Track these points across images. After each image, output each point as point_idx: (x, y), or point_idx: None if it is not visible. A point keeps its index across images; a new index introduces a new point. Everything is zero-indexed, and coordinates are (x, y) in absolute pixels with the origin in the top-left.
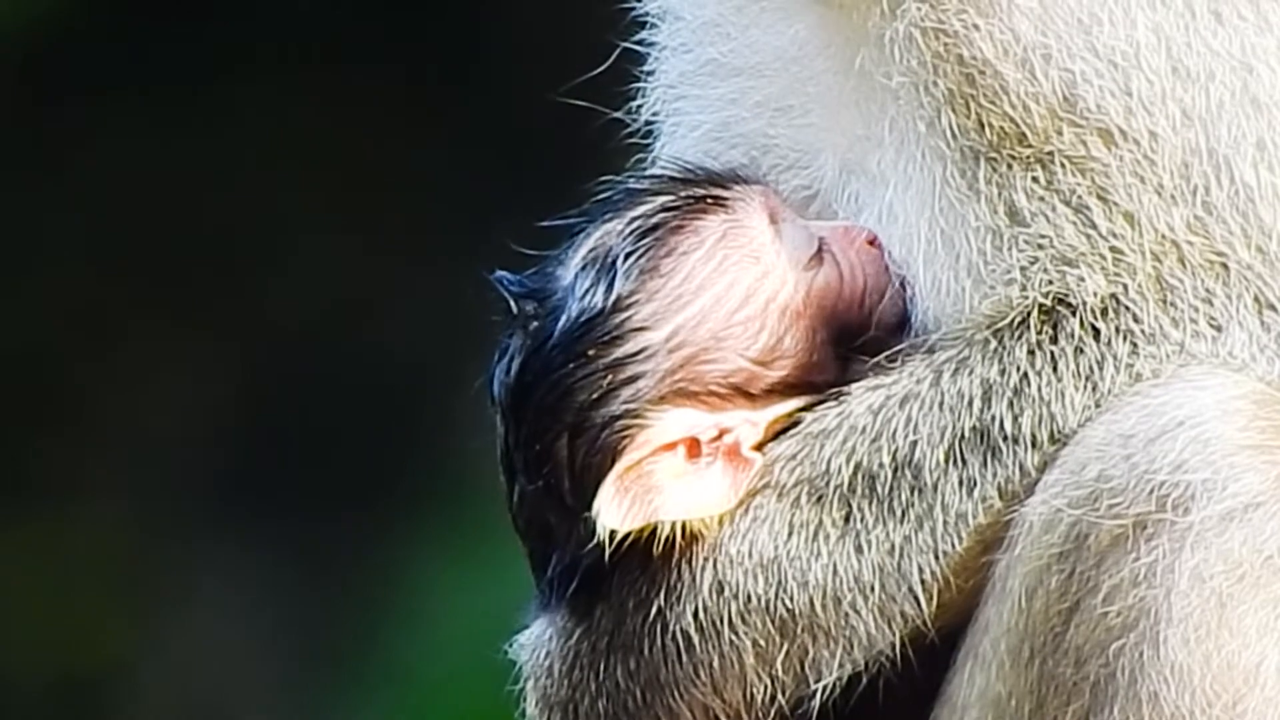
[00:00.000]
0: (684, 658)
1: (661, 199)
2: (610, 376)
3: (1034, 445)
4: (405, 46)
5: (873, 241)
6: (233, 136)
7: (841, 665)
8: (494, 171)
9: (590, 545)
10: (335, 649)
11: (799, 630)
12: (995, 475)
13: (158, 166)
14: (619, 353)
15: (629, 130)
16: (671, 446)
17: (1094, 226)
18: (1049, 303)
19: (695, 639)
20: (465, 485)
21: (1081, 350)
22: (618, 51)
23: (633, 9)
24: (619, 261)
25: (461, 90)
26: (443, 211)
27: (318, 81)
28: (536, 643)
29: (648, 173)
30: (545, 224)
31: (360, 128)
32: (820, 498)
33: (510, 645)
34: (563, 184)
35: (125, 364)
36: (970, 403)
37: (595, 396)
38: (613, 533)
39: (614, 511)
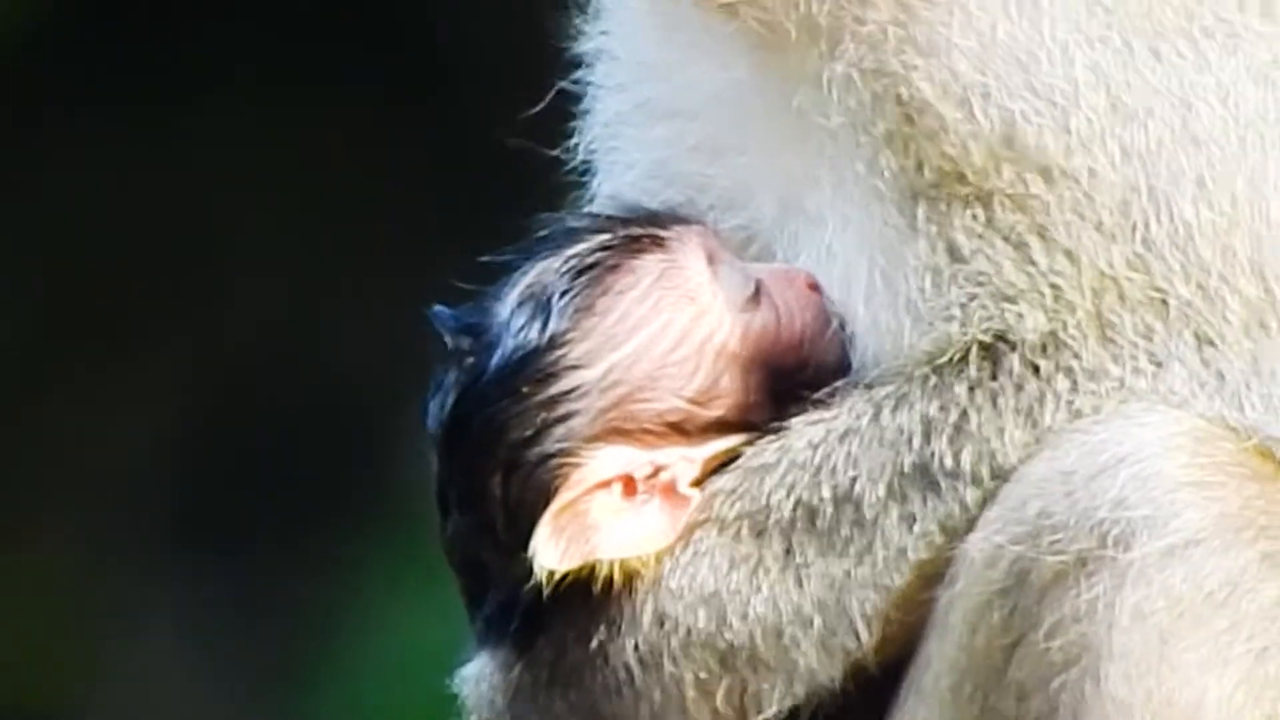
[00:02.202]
0: (625, 691)
1: (599, 238)
2: (544, 414)
3: (974, 481)
4: (354, 78)
5: (812, 285)
6: (177, 163)
7: (783, 699)
8: (441, 200)
9: (528, 583)
10: (284, 679)
11: (740, 664)
12: (936, 511)
13: (104, 192)
14: (553, 390)
15: (568, 168)
16: (606, 484)
17: (1033, 263)
18: (989, 339)
19: (636, 672)
20: (414, 514)
21: (1021, 387)
22: (554, 91)
23: (568, 48)
24: (554, 299)
25: (410, 121)
26: (391, 238)
27: (265, 110)
28: (478, 676)
29: (586, 211)
30: (484, 260)
31: (309, 155)
32: (760, 532)
33: (453, 678)
34: (508, 217)
35: (71, 392)
36: (910, 439)
37: (529, 434)
38: (550, 572)
39: (551, 551)
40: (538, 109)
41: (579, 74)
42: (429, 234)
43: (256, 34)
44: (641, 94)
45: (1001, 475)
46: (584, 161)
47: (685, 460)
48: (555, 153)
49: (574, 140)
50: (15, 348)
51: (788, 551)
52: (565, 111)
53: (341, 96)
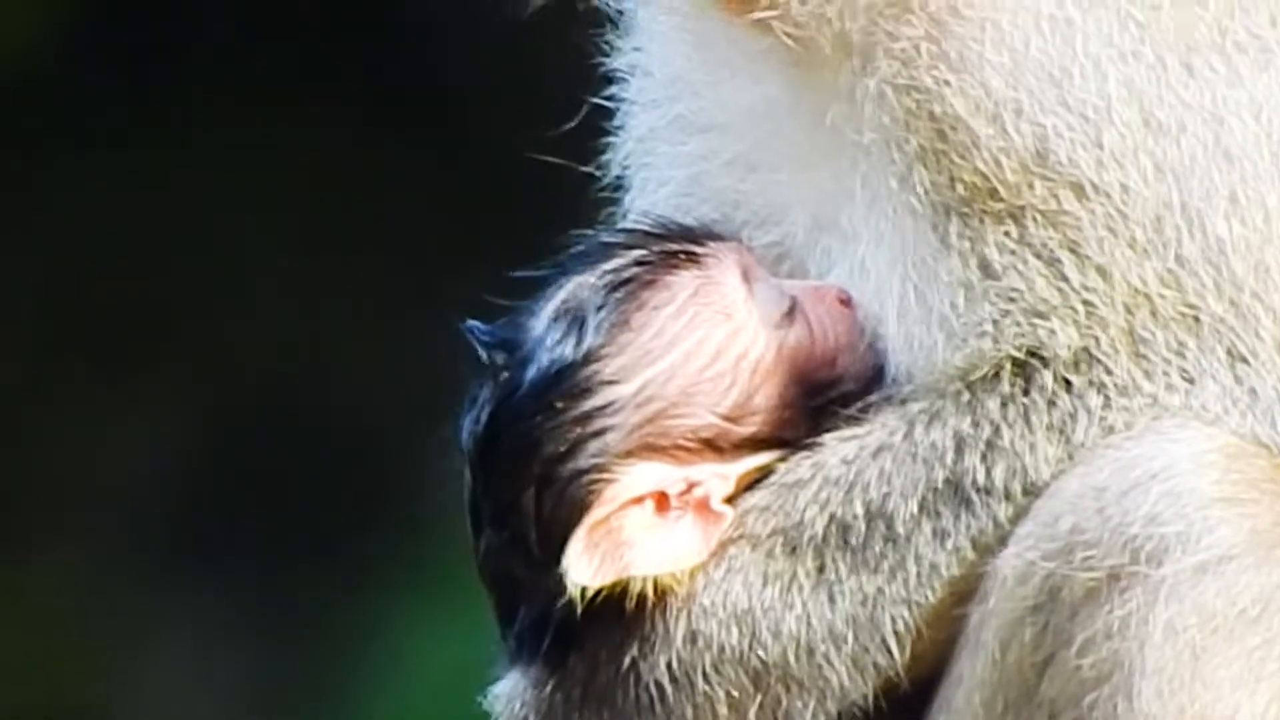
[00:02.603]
0: (657, 708)
1: (635, 253)
2: (578, 429)
3: (1007, 497)
4: (374, 96)
5: (845, 301)
6: (194, 183)
7: (815, 716)
8: (464, 222)
9: (561, 600)
10: (300, 699)
11: (772, 681)
12: (968, 527)
13: (118, 211)
14: (587, 405)
15: (601, 184)
16: (640, 500)
17: (1066, 279)
18: (1021, 355)
19: (669, 690)
20: (434, 533)
21: (1054, 403)
22: (587, 107)
23: (602, 64)
24: (590, 315)
25: (433, 141)
26: (411, 259)
27: (282, 129)
28: (510, 694)
29: (622, 226)
30: (518, 275)
31: (326, 175)
32: (794, 549)
33: (484, 696)
34: (536, 234)
35: (85, 411)
36: (943, 455)
37: (563, 449)
38: (583, 588)
39: (584, 567)
40: (569, 125)
41: (612, 90)
42: (453, 254)
43: (262, 54)
44: (675, 110)
45: (1034, 491)
46: (617, 177)
47: (719, 476)
48: (582, 169)
49: (606, 156)
50: (29, 360)
51: (821, 568)
52: (595, 128)
53: (352, 116)
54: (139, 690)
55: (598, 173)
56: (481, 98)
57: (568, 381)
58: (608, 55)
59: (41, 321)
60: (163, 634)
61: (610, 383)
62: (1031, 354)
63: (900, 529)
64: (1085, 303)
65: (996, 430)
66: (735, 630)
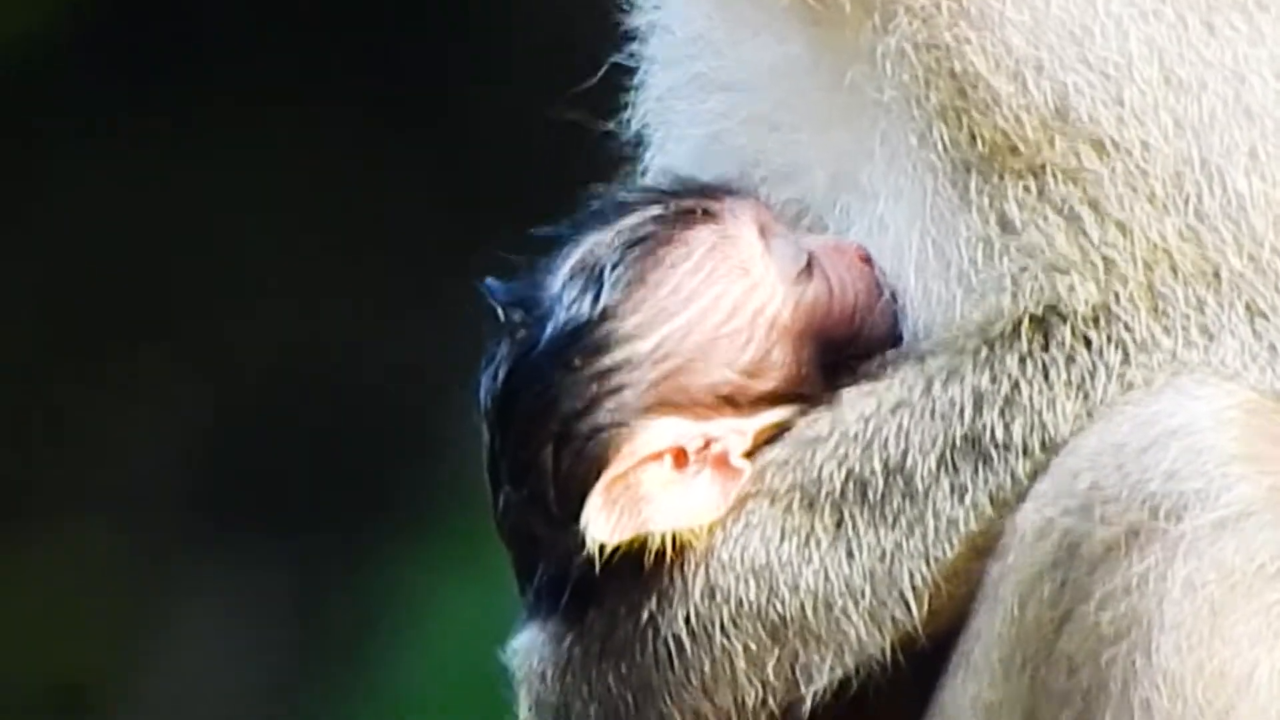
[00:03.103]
0: (675, 662)
1: (651, 210)
2: (596, 386)
3: (1025, 453)
4: (374, 95)
5: (863, 257)
6: (194, 180)
7: (832, 670)
8: (464, 221)
9: (579, 556)
10: (325, 666)
11: (790, 635)
12: (986, 483)
13: (117, 208)
14: (605, 362)
15: (619, 142)
16: (658, 456)
17: (1085, 235)
18: (1040, 311)
19: (686, 644)
20: (454, 497)
21: (1073, 359)
22: (608, 65)
23: (621, 23)
24: (606, 272)
25: (433, 140)
26: (411, 257)
27: (283, 128)
28: (529, 648)
29: (638, 184)
30: (536, 233)
31: (326, 174)
32: (812, 503)
33: (504, 651)
34: (524, 221)
35: (111, 382)
36: (961, 411)
37: (581, 406)
38: (601, 544)
39: (602, 523)
40: (584, 86)
41: (632, 48)
42: (444, 251)
43: (262, 52)
44: (694, 68)
45: (1052, 448)
46: (636, 135)
47: (736, 432)
48: (605, 128)
49: (625, 114)
50: (36, 345)
51: (839, 523)
52: (612, 86)
53: (352, 115)
54: (167, 659)
55: (618, 130)
56: (500, 60)
57: (585, 338)
58: (628, 12)
59: (65, 299)
60: (191, 603)
61: (627, 339)
62: (1050, 310)
63: (918, 484)
64: (1105, 258)
65: (1015, 386)
66: (753, 584)
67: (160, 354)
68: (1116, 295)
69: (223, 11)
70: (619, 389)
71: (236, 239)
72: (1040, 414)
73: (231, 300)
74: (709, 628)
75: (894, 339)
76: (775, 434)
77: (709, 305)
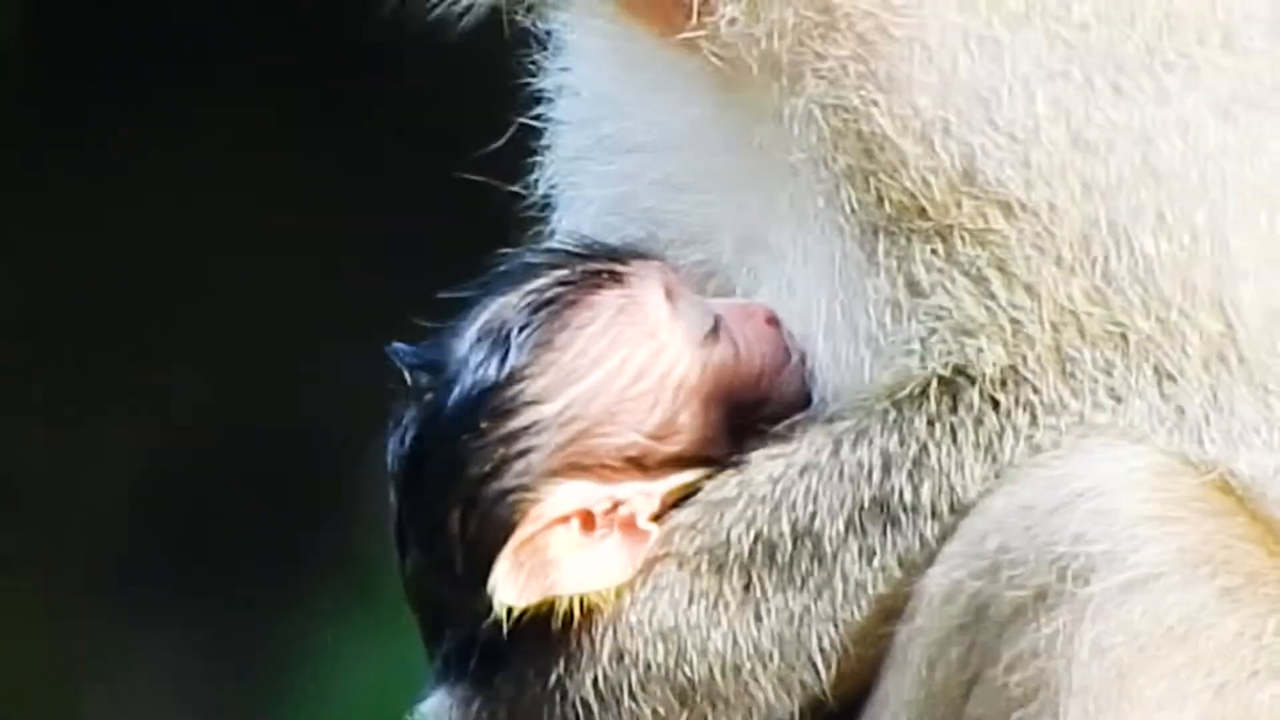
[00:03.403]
0: None
1: (558, 273)
2: (503, 450)
3: (934, 516)
4: (361, 104)
5: (771, 320)
6: (140, 216)
7: None
8: (400, 250)
9: (487, 620)
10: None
11: (698, 699)
12: (895, 545)
13: (82, 226)
14: (512, 425)
15: (528, 204)
16: (565, 519)
17: (993, 298)
18: (948, 374)
19: (594, 707)
20: (370, 558)
21: (981, 421)
22: (514, 127)
23: (529, 84)
24: (513, 334)
25: (369, 163)
26: (341, 287)
27: (266, 134)
28: (437, 712)
29: (545, 246)
30: (444, 296)
31: (270, 203)
32: (720, 566)
33: (412, 715)
34: (462, 258)
35: (33, 446)
36: (870, 473)
37: (488, 469)
38: (509, 608)
39: (510, 587)
40: (497, 145)
41: (539, 110)
42: (389, 287)
43: (248, 56)
44: (602, 129)
45: (961, 510)
46: (544, 197)
47: (644, 495)
48: (516, 188)
49: (534, 176)
50: None
51: (747, 586)
52: (526, 147)
53: (300, 148)
54: (95, 699)
55: (525, 192)
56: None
57: (492, 402)
58: (535, 75)
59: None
60: (112, 663)
61: (534, 403)
62: (959, 372)
63: (827, 547)
64: (1012, 321)
65: (924, 449)
66: (661, 648)
67: (98, 393)
68: (1024, 358)
69: (213, 14)
70: (526, 452)
71: (181, 275)
72: (948, 476)
73: (173, 345)
74: (617, 691)
75: (803, 401)
76: (683, 497)
77: (615, 368)
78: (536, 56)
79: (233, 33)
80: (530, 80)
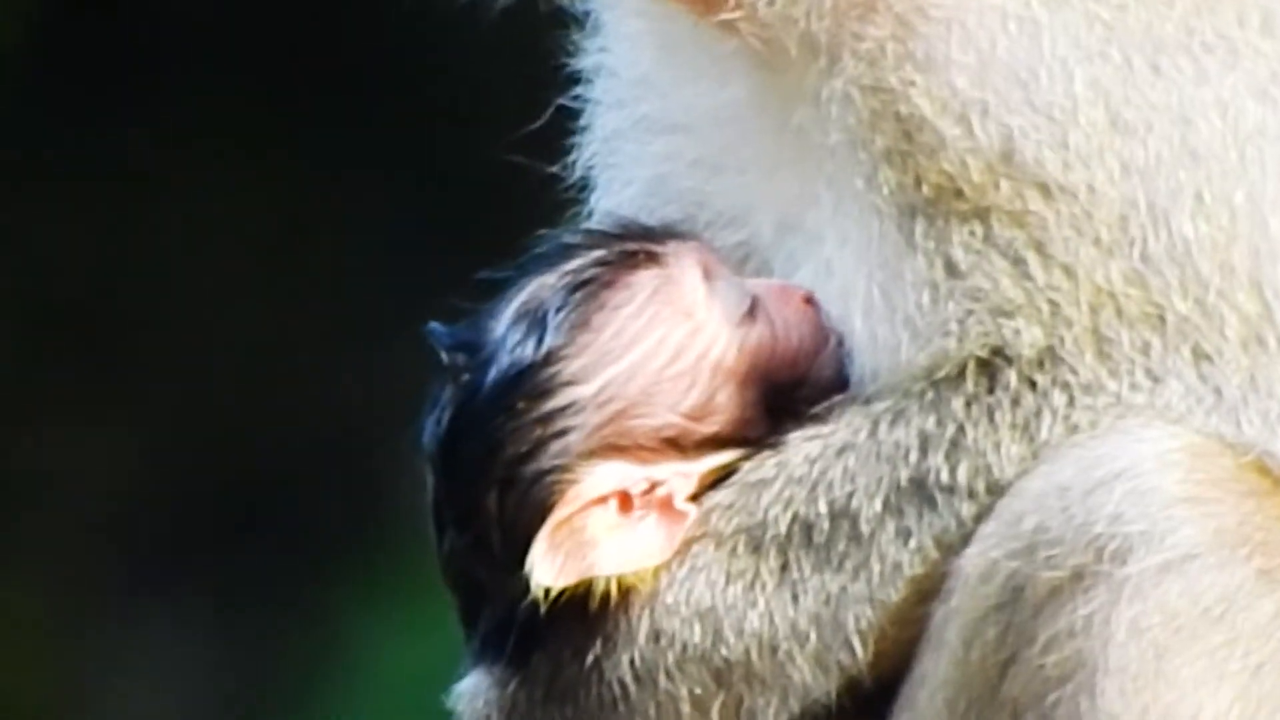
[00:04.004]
0: (620, 707)
1: (595, 254)
2: (540, 430)
3: (970, 496)
4: (350, 109)
5: (809, 301)
6: (157, 205)
7: (777, 714)
8: (424, 241)
9: (524, 600)
10: (274, 708)
11: (735, 679)
12: (931, 526)
13: (83, 231)
14: (549, 406)
15: (566, 185)
16: (603, 500)
17: (1031, 279)
18: (985, 354)
19: (631, 688)
20: (400, 541)
21: (1018, 402)
22: (553, 108)
23: (567, 65)
24: (550, 315)
25: (394, 150)
26: (373, 273)
27: (246, 151)
28: (474, 693)
29: (582, 227)
30: (482, 278)
31: (289, 193)
32: (757, 547)
33: (448, 696)
34: (500, 240)
35: (55, 431)
36: (907, 454)
37: (525, 450)
38: (547, 588)
39: (547, 568)
40: (530, 128)
41: (577, 90)
42: (426, 272)
43: (235, 65)
44: (640, 110)
45: (997, 490)
46: (582, 178)
47: (681, 476)
48: (551, 170)
49: (572, 158)
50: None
51: (784, 567)
52: (559, 129)
53: (319, 135)
54: (113, 703)
55: (563, 173)
56: (452, 103)
57: (529, 383)
58: (573, 56)
59: (5, 345)
60: (136, 646)
61: (571, 383)
62: (996, 353)
63: (864, 528)
64: (1050, 302)
65: (961, 429)
66: (698, 628)
67: (102, 393)
68: (1062, 339)
69: (194, 22)
70: (563, 433)
71: (181, 277)
72: (985, 456)
73: (177, 342)
74: (654, 672)
75: (840, 382)
76: (720, 477)
77: (652, 349)
78: (575, 37)
79: (249, 26)
80: (568, 61)
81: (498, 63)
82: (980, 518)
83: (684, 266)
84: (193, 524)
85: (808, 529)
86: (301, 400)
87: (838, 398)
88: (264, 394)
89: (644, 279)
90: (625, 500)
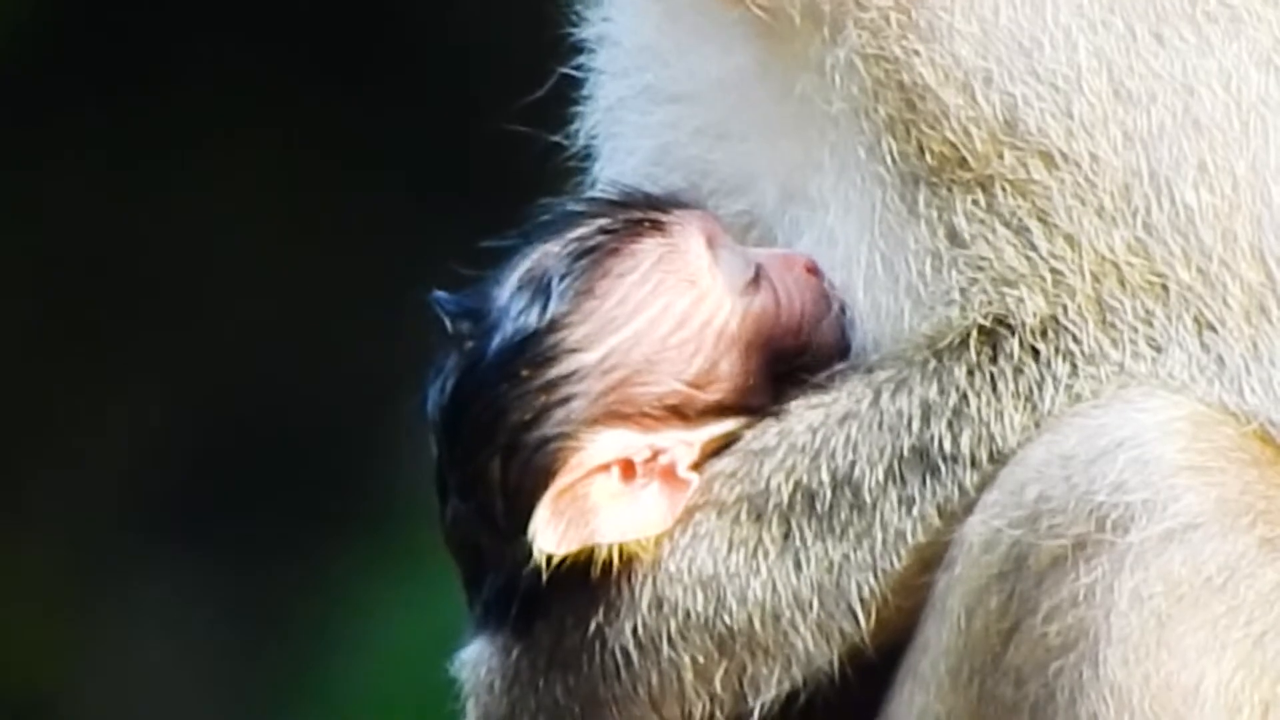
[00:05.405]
0: (622, 675)
1: (599, 222)
2: (543, 397)
3: (973, 465)
4: (340, 88)
5: (812, 269)
6: (169, 172)
7: (780, 682)
8: (428, 213)
9: (527, 567)
10: (273, 676)
11: (738, 647)
12: (934, 494)
13: (101, 204)
14: (552, 374)
15: (569, 153)
16: (605, 468)
17: (1034, 248)
18: (988, 323)
19: (634, 656)
20: (405, 507)
21: (1021, 370)
22: (556, 76)
23: (570, 34)
24: (554, 283)
25: (399, 120)
26: (377, 240)
27: (260, 122)
28: (476, 660)
29: (586, 195)
30: (485, 245)
31: (304, 169)
32: (759, 515)
33: (451, 663)
34: (504, 208)
35: (68, 391)
36: (909, 422)
37: (528, 417)
38: (549, 555)
39: (550, 535)
40: (533, 97)
41: (580, 59)
42: (426, 236)
43: (240, 47)
44: (643, 79)
45: (1000, 459)
46: (585, 147)
47: (684, 444)
48: (554, 139)
49: (575, 126)
50: (13, 349)
51: (786, 535)
52: (562, 98)
53: (325, 107)
54: (120, 666)
55: (566, 142)
56: (456, 71)
57: (532, 349)
58: (576, 25)
59: (27, 306)
60: (143, 610)
61: (575, 350)
62: (999, 322)
63: (866, 496)
64: (1053, 271)
65: (963, 398)
66: (700, 596)
67: (114, 361)
68: (1064, 307)
69: (197, 8)
70: (566, 400)
71: (192, 244)
72: (988, 425)
73: (185, 310)
74: (656, 640)
75: (843, 351)
76: (723, 445)
77: (656, 316)
78: (578, 6)
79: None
80: (571, 30)
81: (501, 31)
82: (983, 486)
83: (688, 234)
84: (199, 490)
85: (810, 497)
86: (308, 366)
87: (840, 366)
88: (271, 360)
89: (648, 247)
90: (628, 468)
